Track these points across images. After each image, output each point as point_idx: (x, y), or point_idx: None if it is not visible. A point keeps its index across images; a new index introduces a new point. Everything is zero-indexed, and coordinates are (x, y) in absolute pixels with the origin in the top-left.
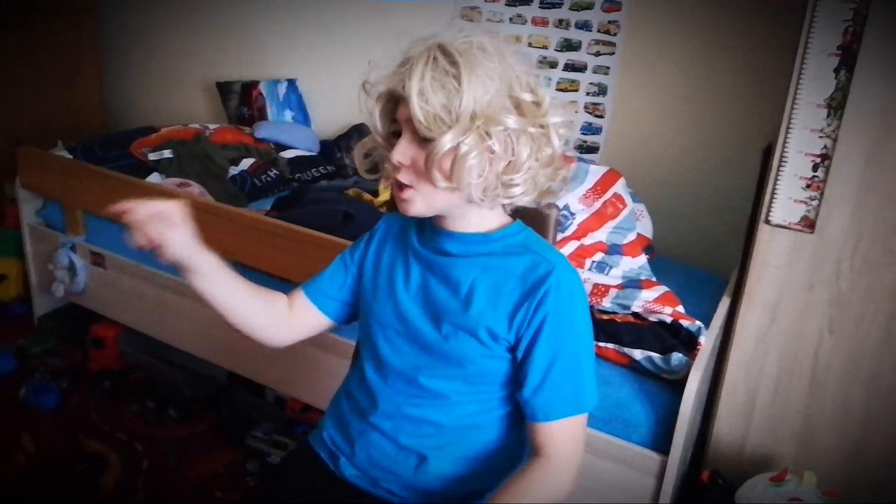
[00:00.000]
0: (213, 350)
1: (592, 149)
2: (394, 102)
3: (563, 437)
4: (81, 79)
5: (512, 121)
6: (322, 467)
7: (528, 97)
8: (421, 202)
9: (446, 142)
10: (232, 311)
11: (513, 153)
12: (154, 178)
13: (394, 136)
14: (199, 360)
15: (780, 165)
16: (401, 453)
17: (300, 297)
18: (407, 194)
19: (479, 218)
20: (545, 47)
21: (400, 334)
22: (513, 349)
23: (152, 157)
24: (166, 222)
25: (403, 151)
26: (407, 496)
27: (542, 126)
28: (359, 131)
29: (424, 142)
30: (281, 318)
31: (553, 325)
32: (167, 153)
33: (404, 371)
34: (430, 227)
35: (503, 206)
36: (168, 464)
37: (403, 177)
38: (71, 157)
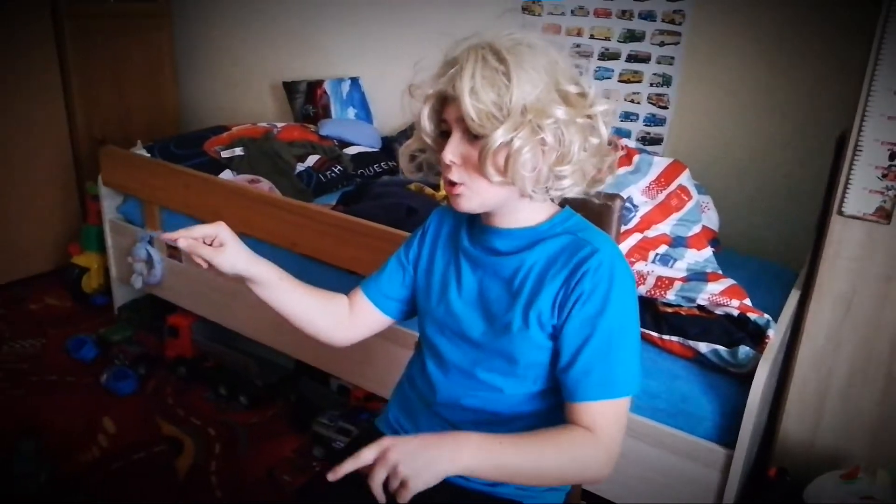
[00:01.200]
0: (281, 340)
1: (656, 140)
2: (441, 103)
3: (595, 420)
4: (158, 82)
5: (561, 112)
6: None
7: (573, 89)
8: (474, 198)
9: (499, 137)
10: (294, 315)
11: (563, 145)
12: (226, 174)
13: (441, 136)
14: (267, 348)
15: (854, 155)
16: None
17: (360, 297)
18: (459, 190)
19: (529, 212)
20: (608, 38)
21: (456, 333)
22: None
23: (224, 154)
24: (214, 244)
25: (455, 150)
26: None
27: (589, 116)
28: None
29: (475, 139)
30: (342, 320)
31: (588, 304)
32: (238, 151)
33: (463, 366)
34: (479, 226)
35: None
36: (239, 448)
37: (455, 175)
38: (149, 155)
